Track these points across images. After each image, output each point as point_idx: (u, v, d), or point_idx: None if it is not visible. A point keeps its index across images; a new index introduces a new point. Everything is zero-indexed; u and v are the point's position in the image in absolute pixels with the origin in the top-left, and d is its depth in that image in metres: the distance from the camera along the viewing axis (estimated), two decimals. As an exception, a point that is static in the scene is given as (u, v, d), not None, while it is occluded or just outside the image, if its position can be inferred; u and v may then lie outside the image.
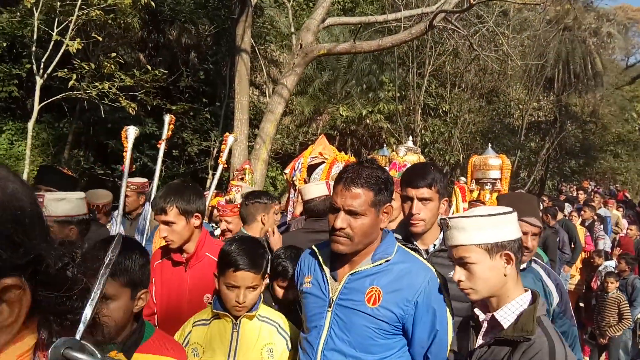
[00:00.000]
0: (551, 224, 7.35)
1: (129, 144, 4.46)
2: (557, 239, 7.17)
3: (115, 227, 4.17)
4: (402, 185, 2.24)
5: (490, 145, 8.76)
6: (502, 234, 1.64)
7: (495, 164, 8.01)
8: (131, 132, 4.50)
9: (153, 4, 8.44)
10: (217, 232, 4.14)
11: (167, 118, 4.87)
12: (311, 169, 6.72)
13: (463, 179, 7.87)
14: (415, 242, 2.22)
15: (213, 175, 13.56)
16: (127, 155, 4.42)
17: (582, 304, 7.72)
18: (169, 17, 13.24)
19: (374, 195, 1.74)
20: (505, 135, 20.69)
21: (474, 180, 8.12)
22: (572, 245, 7.67)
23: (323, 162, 7.62)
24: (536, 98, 22.13)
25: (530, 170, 22.47)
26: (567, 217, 8.32)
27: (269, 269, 2.44)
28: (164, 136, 4.82)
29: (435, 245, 2.21)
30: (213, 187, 5.05)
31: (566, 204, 8.56)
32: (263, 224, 3.29)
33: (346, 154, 18.80)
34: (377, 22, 10.55)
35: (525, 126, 21.64)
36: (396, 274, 1.82)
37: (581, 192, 11.60)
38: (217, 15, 13.73)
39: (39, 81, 7.18)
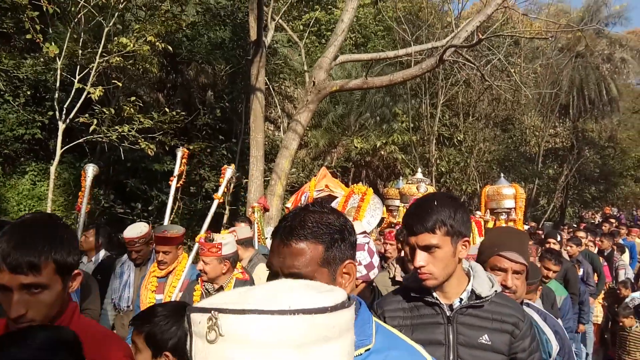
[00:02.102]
0: (573, 254, 7.22)
1: (87, 183, 4.22)
2: (582, 271, 7.02)
3: None
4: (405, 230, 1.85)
5: (502, 174, 8.76)
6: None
7: (509, 194, 7.99)
8: (89, 171, 4.25)
9: (170, 48, 8.76)
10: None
11: (180, 152, 4.71)
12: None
13: (479, 213, 7.83)
14: (435, 294, 1.74)
15: (230, 209, 13.73)
16: (85, 194, 4.20)
17: (606, 336, 7.51)
18: (186, 59, 13.67)
19: (325, 249, 1.22)
20: (522, 163, 20.59)
21: (488, 211, 8.10)
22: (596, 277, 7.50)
23: (329, 195, 7.61)
24: (552, 125, 22.08)
25: (550, 198, 22.21)
26: (586, 247, 8.17)
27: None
28: (176, 172, 4.65)
29: (462, 299, 1.73)
30: (205, 225, 4.47)
31: (582, 234, 8.40)
32: None
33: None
34: (389, 57, 10.76)
35: (542, 153, 21.53)
36: None
37: (605, 224, 11.32)
38: (233, 55, 14.14)
39: (62, 126, 7.46)
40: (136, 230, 4.10)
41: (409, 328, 1.73)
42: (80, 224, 4.18)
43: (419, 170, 9.25)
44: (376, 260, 2.42)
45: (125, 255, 4.35)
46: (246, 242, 4.62)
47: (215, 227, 6.80)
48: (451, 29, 10.71)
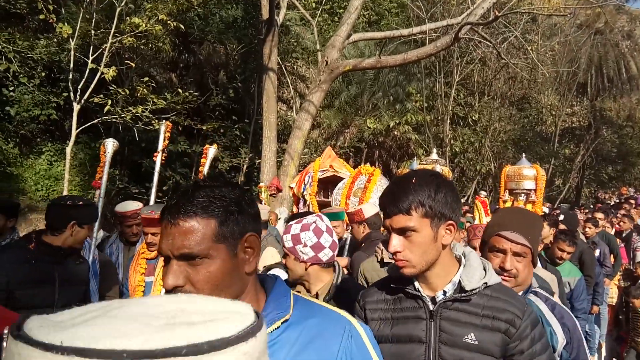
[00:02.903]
0: (590, 235, 7.16)
1: (106, 158, 4.06)
2: (599, 252, 6.98)
3: (87, 254, 3.62)
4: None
5: (524, 155, 8.66)
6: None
7: (529, 175, 7.91)
8: (109, 146, 4.09)
9: (182, 27, 8.72)
10: None
11: (163, 127, 4.48)
12: (321, 182, 6.57)
13: (484, 193, 7.77)
14: (417, 285, 1.54)
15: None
16: (105, 170, 4.04)
17: (620, 317, 7.49)
18: (198, 38, 13.63)
19: (218, 224, 1.12)
20: (538, 143, 20.33)
21: (507, 191, 8.03)
22: (613, 258, 7.46)
23: (333, 175, 7.58)
24: (569, 104, 21.71)
25: (566, 178, 21.97)
26: (603, 229, 8.10)
27: None
28: (160, 146, 4.42)
29: (446, 291, 1.52)
30: None
31: (599, 214, 8.32)
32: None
33: (374, 166, 18.78)
34: (403, 35, 10.60)
35: (558, 133, 21.23)
36: (301, 340, 1.22)
37: (626, 205, 11.16)
38: (245, 34, 14.05)
39: (76, 107, 7.52)
40: (133, 205, 4.03)
41: (389, 322, 1.56)
42: (100, 199, 4.04)
43: (434, 150, 9.18)
44: (327, 240, 2.24)
45: (114, 235, 4.24)
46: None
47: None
48: (467, 5, 10.49)
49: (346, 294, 2.17)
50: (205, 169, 4.67)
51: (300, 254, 2.23)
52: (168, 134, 4.51)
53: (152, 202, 4.31)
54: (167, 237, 1.12)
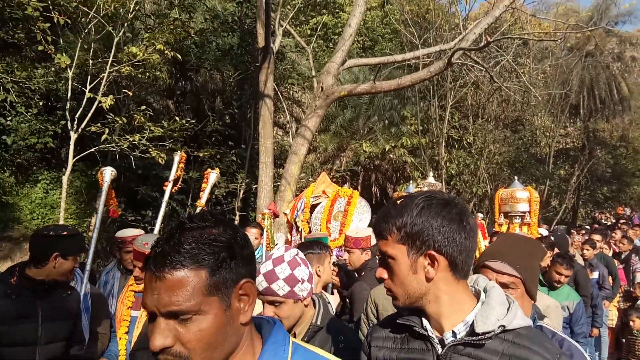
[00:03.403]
0: (588, 258, 7.16)
1: (104, 187, 3.94)
2: (597, 274, 6.97)
3: (79, 287, 3.45)
4: None
5: (517, 177, 8.73)
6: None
7: (523, 197, 7.94)
8: (107, 174, 3.95)
9: (179, 56, 8.85)
10: None
11: (177, 157, 4.40)
12: (313, 208, 6.41)
13: (480, 215, 7.78)
14: (425, 324, 1.34)
15: (240, 216, 13.80)
16: (101, 199, 3.89)
17: (623, 340, 7.44)
18: (195, 66, 13.79)
19: (209, 274, 1.00)
20: (533, 164, 20.48)
21: (502, 214, 8.07)
22: (611, 280, 7.44)
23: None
24: (562, 125, 21.95)
25: (562, 199, 22.05)
26: (601, 250, 8.11)
27: None
28: (172, 176, 4.34)
29: (456, 332, 1.30)
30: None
31: (596, 236, 8.33)
32: (319, 276, 3.06)
33: (371, 189, 18.68)
34: (396, 61, 10.77)
35: (553, 154, 21.41)
36: None
37: (624, 226, 11.14)
38: (241, 61, 14.23)
39: (73, 136, 7.56)
40: (134, 231, 3.92)
41: None
42: (96, 229, 3.92)
43: (430, 174, 9.24)
44: (304, 272, 2.03)
45: (112, 263, 4.13)
46: None
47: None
48: (459, 31, 10.71)
49: (328, 333, 2.03)
50: (205, 195, 4.51)
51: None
52: (182, 165, 4.41)
53: (156, 231, 4.24)
54: (152, 291, 1.00)
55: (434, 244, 1.26)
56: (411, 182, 12.43)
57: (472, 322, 1.28)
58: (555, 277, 4.41)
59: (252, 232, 5.36)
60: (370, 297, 3.07)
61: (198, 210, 4.13)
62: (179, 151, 4.69)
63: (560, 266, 4.42)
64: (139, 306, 3.24)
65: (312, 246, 3.12)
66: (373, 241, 3.72)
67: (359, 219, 5.64)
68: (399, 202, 1.33)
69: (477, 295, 1.36)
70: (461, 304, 1.31)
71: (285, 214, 6.40)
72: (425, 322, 1.33)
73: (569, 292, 4.48)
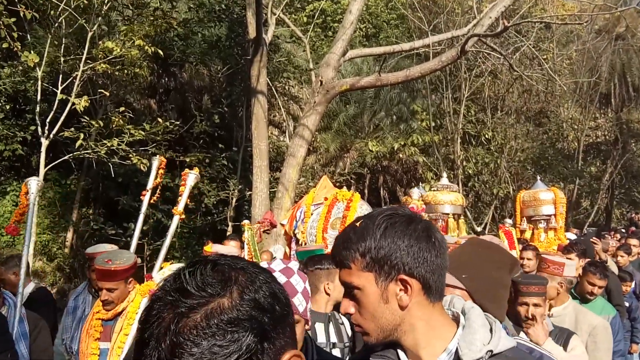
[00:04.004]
0: (623, 265, 7.13)
1: (30, 200, 3.90)
2: (635, 283, 6.94)
3: (12, 313, 3.35)
4: None
5: (539, 177, 8.71)
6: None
7: (547, 198, 7.92)
8: (33, 186, 3.92)
9: (161, 51, 8.87)
10: None
11: (156, 162, 4.36)
12: None
13: (509, 221, 7.74)
14: (399, 353, 1.32)
15: (233, 226, 13.79)
16: (30, 214, 3.88)
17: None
18: (179, 60, 13.83)
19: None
20: (560, 161, 20.41)
21: (524, 219, 8.04)
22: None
23: None
24: (592, 117, 21.89)
25: (593, 199, 21.99)
26: (638, 257, 8.08)
27: None
28: (150, 184, 4.25)
29: None
30: (162, 254, 3.87)
31: (633, 241, 8.28)
32: (328, 294, 3.04)
33: (379, 193, 18.65)
34: (404, 50, 10.78)
35: (582, 149, 21.34)
36: None
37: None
38: (230, 55, 14.27)
39: (45, 142, 7.57)
40: (106, 247, 3.82)
41: None
42: (25, 247, 3.79)
43: (444, 175, 9.21)
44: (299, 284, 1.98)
45: (82, 285, 4.04)
46: None
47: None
48: (473, 15, 10.71)
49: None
50: (182, 201, 4.21)
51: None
52: (162, 171, 4.33)
53: (132, 248, 4.08)
54: None
55: (404, 267, 1.23)
56: (421, 184, 12.41)
57: (456, 350, 1.24)
58: (588, 288, 4.37)
59: (231, 245, 5.25)
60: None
61: (175, 219, 3.96)
62: (157, 156, 4.65)
63: (593, 276, 4.37)
64: (108, 337, 3.10)
65: (321, 261, 3.11)
66: None
67: None
68: (357, 224, 1.30)
69: (455, 319, 1.33)
70: (440, 330, 1.28)
71: (283, 225, 6.22)
72: (402, 355, 1.30)
73: (604, 305, 4.44)
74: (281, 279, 1.84)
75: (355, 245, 1.25)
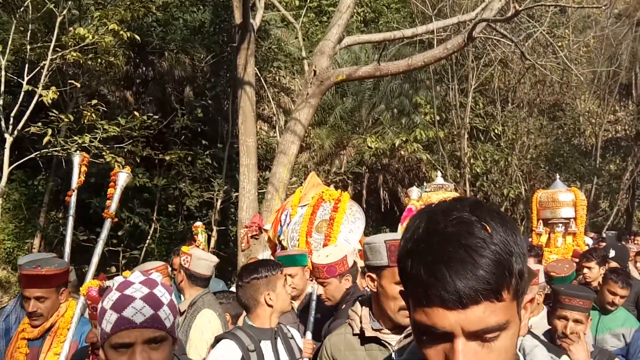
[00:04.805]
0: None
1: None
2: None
3: None
4: None
5: (558, 176, 8.73)
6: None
7: (566, 200, 7.92)
8: None
9: (138, 37, 8.82)
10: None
11: (77, 158, 4.24)
12: None
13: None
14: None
15: (218, 230, 13.76)
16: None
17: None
18: (157, 48, 13.77)
19: None
20: (576, 158, 20.48)
21: (540, 222, 8.04)
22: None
23: None
24: (611, 109, 21.97)
25: (613, 200, 22.08)
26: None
27: None
28: (74, 184, 4.14)
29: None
30: (94, 262, 3.47)
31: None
32: (270, 305, 2.87)
33: (379, 194, 18.64)
34: (405, 36, 10.78)
35: (600, 145, 21.41)
36: None
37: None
38: (215, 42, 14.23)
39: (9, 139, 7.52)
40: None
41: None
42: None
43: (438, 174, 9.23)
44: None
45: (12, 303, 3.88)
46: (196, 278, 3.88)
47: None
48: (481, -2, 10.74)
49: None
50: (113, 205, 3.87)
51: None
52: (85, 169, 4.21)
53: (66, 253, 3.78)
54: None
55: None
56: (425, 184, 12.43)
57: None
58: (609, 297, 4.38)
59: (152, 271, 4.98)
60: (324, 348, 2.51)
61: (107, 223, 3.73)
62: (77, 152, 4.55)
63: (615, 284, 4.38)
64: (35, 359, 2.96)
65: (257, 269, 2.92)
66: (351, 262, 3.55)
67: (349, 230, 5.04)
68: (484, 225, 0.94)
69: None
70: None
71: (266, 231, 5.99)
72: None
73: (626, 317, 4.45)
74: (143, 290, 1.75)
75: (502, 263, 0.91)
